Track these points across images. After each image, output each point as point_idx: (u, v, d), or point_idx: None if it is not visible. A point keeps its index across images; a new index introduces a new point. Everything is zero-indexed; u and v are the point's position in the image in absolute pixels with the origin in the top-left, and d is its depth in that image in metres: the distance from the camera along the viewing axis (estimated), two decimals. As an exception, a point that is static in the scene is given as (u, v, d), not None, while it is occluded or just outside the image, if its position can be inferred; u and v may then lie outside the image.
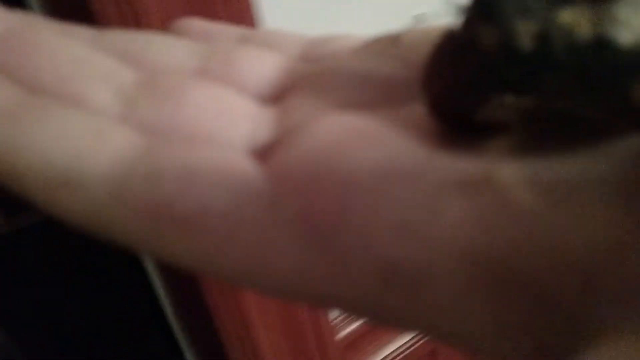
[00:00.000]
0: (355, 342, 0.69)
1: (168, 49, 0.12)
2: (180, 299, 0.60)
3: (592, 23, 0.07)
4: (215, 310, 0.52)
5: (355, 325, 0.68)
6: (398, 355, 0.73)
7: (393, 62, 0.12)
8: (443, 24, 0.11)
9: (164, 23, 0.38)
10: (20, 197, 0.10)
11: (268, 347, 0.56)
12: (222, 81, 0.12)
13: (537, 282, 0.08)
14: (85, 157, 0.09)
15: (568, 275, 0.07)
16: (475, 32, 0.08)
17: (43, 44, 0.11)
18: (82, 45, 0.11)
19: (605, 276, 0.07)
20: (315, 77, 0.12)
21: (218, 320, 0.52)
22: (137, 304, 0.63)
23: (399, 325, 0.09)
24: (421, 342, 0.73)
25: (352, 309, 0.09)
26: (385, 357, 0.72)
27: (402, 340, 0.73)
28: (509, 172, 0.08)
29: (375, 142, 0.09)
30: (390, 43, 0.12)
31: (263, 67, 0.12)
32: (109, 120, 0.10)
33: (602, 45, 0.07)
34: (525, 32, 0.07)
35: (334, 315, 0.65)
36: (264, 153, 0.10)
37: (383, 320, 0.09)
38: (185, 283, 0.52)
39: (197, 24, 0.15)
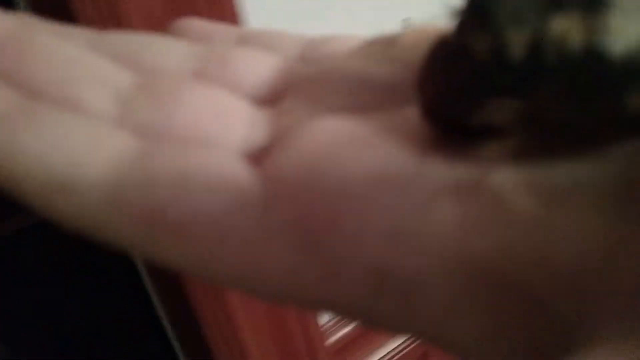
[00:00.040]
0: (345, 346, 0.69)
1: (165, 51, 0.12)
2: (169, 301, 0.60)
3: (584, 32, 0.07)
4: (203, 314, 0.51)
5: (345, 330, 0.68)
6: (389, 359, 0.72)
7: (390, 64, 0.12)
8: (440, 25, 0.11)
9: (145, 23, 0.38)
10: (16, 200, 0.10)
11: (257, 353, 0.56)
12: (219, 83, 0.12)
13: (529, 288, 0.08)
14: (80, 162, 0.09)
15: (561, 281, 0.07)
16: (468, 39, 0.08)
17: (40, 46, 0.11)
18: (80, 48, 0.11)
19: (597, 282, 0.07)
20: (312, 79, 0.12)
21: (205, 324, 0.52)
22: (131, 306, 0.63)
23: (392, 329, 0.09)
24: (412, 345, 0.73)
25: (345, 313, 0.09)
26: (377, 361, 0.72)
27: (393, 345, 0.73)
28: (504, 177, 0.08)
29: (368, 148, 0.09)
30: (388, 44, 0.12)
31: (260, 68, 0.12)
32: (105, 124, 0.10)
33: (595, 55, 0.07)
34: (517, 40, 0.07)
35: (324, 320, 0.65)
36: (258, 156, 0.10)
37: (375, 324, 0.09)
38: (173, 287, 0.52)
39: (196, 24, 0.15)
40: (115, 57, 0.12)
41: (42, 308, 0.59)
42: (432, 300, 0.08)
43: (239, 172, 0.10)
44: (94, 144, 0.10)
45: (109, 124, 0.10)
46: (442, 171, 0.09)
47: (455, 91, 0.08)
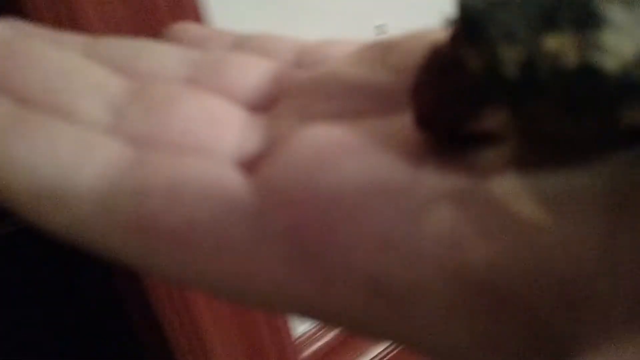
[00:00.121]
0: (324, 357, 0.67)
1: (159, 57, 0.12)
2: (132, 300, 0.58)
3: (577, 49, 0.07)
4: (171, 328, 0.50)
5: (319, 343, 0.67)
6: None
7: (386, 70, 0.12)
8: (437, 32, 0.11)
9: (104, 25, 0.36)
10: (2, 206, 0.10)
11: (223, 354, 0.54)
12: (212, 89, 0.12)
13: (524, 298, 0.08)
14: (71, 171, 0.09)
15: (555, 291, 0.07)
16: (461, 53, 0.08)
17: (33, 54, 0.11)
18: (73, 55, 0.11)
19: (590, 292, 0.07)
20: (306, 85, 0.12)
21: (174, 339, 0.50)
22: (100, 305, 0.63)
23: (384, 337, 0.09)
24: (393, 353, 0.71)
25: (338, 322, 0.09)
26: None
27: (373, 353, 0.71)
28: (502, 185, 0.08)
29: (361, 156, 0.09)
30: (384, 51, 0.12)
31: (254, 74, 0.12)
32: (97, 132, 0.10)
33: (589, 71, 0.07)
34: (510, 58, 0.07)
35: (298, 332, 0.64)
36: (252, 163, 0.10)
37: (368, 333, 0.09)
38: (135, 285, 0.50)
39: (191, 29, 0.15)
40: (109, 64, 0.12)
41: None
42: (425, 309, 0.08)
43: (232, 180, 0.10)
44: (86, 153, 0.10)
45: (101, 133, 0.10)
46: (436, 179, 0.09)
47: (449, 101, 0.09)
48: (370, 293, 0.08)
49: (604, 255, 0.07)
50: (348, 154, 0.09)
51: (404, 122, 0.10)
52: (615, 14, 0.07)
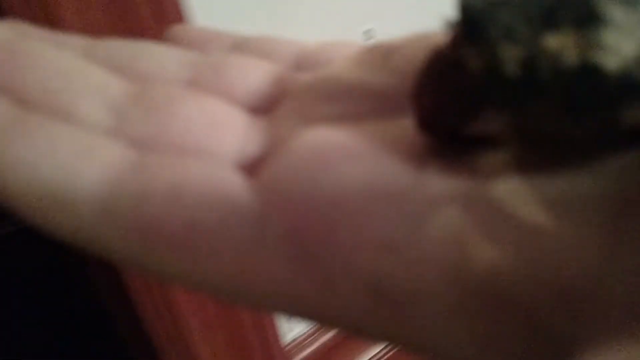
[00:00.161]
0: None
1: (160, 59, 0.12)
2: (112, 297, 0.57)
3: (578, 49, 0.07)
4: (158, 341, 0.49)
5: (308, 350, 0.66)
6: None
7: (387, 72, 0.12)
8: (438, 35, 0.11)
9: (83, 26, 0.35)
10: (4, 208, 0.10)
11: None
12: (213, 92, 0.12)
13: (526, 301, 0.08)
14: (72, 173, 0.09)
15: (558, 294, 0.07)
16: (461, 54, 0.08)
17: (34, 55, 0.11)
18: (74, 56, 0.11)
19: (592, 296, 0.07)
20: (307, 87, 0.12)
21: (151, 326, 0.49)
22: (80, 305, 0.63)
23: (384, 339, 0.09)
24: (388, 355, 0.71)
25: (339, 325, 0.09)
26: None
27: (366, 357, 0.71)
28: (506, 188, 0.08)
29: (362, 159, 0.09)
30: (385, 53, 0.12)
31: (254, 76, 0.12)
32: (98, 135, 0.10)
33: (590, 71, 0.07)
34: (511, 57, 0.07)
35: (288, 339, 0.63)
36: (253, 166, 0.10)
37: (369, 335, 0.09)
38: (115, 282, 0.49)
39: (191, 30, 0.15)
40: (109, 65, 0.12)
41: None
42: (427, 311, 0.08)
43: (233, 182, 0.10)
44: (87, 154, 0.10)
45: (102, 135, 0.10)
46: (438, 182, 0.09)
47: (450, 102, 0.09)
48: (372, 295, 0.08)
49: (606, 258, 0.07)
50: (349, 156, 0.09)
51: (405, 125, 0.10)
52: (616, 13, 0.07)
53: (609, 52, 0.07)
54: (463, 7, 0.08)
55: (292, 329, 0.65)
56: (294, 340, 0.65)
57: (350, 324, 0.09)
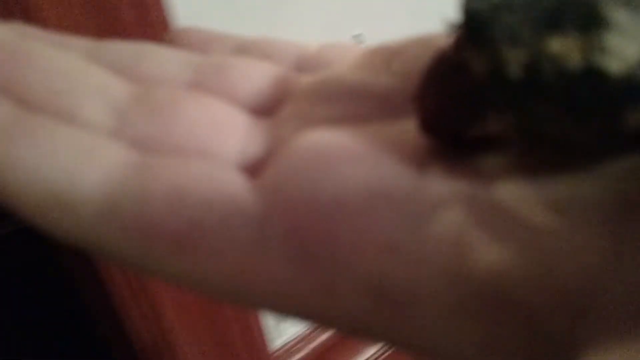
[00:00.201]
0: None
1: (163, 61, 0.12)
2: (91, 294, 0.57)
3: (582, 52, 0.07)
4: (141, 345, 0.48)
5: (296, 356, 0.66)
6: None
7: (390, 75, 0.12)
8: (441, 37, 0.11)
9: (62, 24, 0.34)
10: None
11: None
12: (216, 93, 0.12)
13: (527, 303, 0.08)
14: (75, 175, 0.09)
15: (559, 296, 0.07)
16: (465, 57, 0.08)
17: (37, 57, 0.11)
18: (76, 58, 0.11)
19: (592, 298, 0.07)
20: (310, 89, 0.12)
21: (131, 326, 0.48)
22: (60, 305, 0.63)
23: (385, 340, 0.09)
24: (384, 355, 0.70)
25: (340, 326, 0.09)
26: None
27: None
28: (510, 190, 0.08)
29: (364, 161, 0.09)
30: (388, 55, 0.12)
31: (256, 78, 0.12)
32: (100, 136, 0.10)
33: (593, 74, 0.07)
34: (514, 60, 0.07)
35: (276, 346, 0.63)
36: (254, 167, 0.10)
37: (369, 335, 0.09)
38: (94, 279, 0.48)
39: (194, 32, 0.15)
40: (112, 67, 0.12)
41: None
42: (428, 312, 0.08)
43: (235, 184, 0.10)
44: (90, 156, 0.10)
45: (104, 136, 0.10)
46: (440, 184, 0.09)
47: (453, 104, 0.09)
48: (373, 296, 0.08)
49: (608, 259, 0.07)
50: (351, 158, 0.09)
51: (408, 127, 0.10)
52: (619, 16, 0.07)
53: (612, 55, 0.07)
54: (466, 10, 0.08)
55: (280, 335, 0.65)
56: (283, 346, 0.65)
57: (350, 325, 0.09)
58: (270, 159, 0.10)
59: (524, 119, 0.08)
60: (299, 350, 0.65)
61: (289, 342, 0.66)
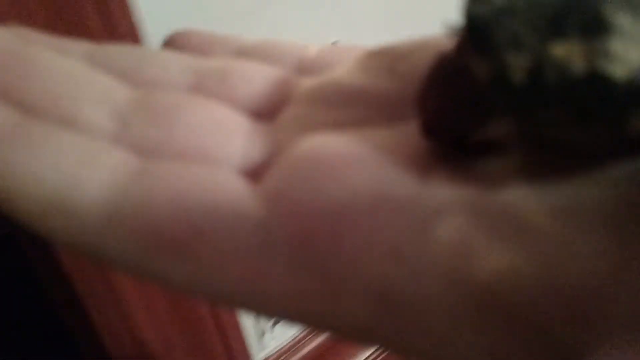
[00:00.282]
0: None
1: (164, 65, 0.12)
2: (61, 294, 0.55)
3: (585, 57, 0.07)
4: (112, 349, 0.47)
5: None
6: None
7: (392, 78, 0.12)
8: (443, 40, 0.11)
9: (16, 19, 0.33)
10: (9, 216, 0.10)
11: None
12: (217, 97, 0.12)
13: (531, 310, 0.08)
14: (77, 181, 0.09)
15: (564, 304, 0.07)
16: (467, 61, 0.08)
17: (38, 62, 0.11)
18: (77, 62, 0.11)
19: (598, 306, 0.07)
20: (310, 93, 0.12)
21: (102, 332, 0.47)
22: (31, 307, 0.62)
23: (387, 347, 0.09)
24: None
25: (342, 331, 0.09)
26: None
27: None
28: (515, 196, 0.08)
29: (366, 166, 0.09)
30: (390, 58, 0.12)
31: (257, 82, 0.12)
32: (102, 142, 0.10)
33: (597, 80, 0.07)
34: (517, 65, 0.07)
35: (261, 356, 0.62)
36: (256, 172, 0.10)
37: (372, 342, 0.09)
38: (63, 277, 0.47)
39: (194, 35, 0.15)
40: (113, 72, 0.12)
41: None
42: (432, 319, 0.08)
43: (237, 189, 0.10)
44: (91, 162, 0.10)
45: (106, 141, 0.10)
46: (443, 189, 0.09)
47: (455, 109, 0.09)
48: (376, 302, 0.08)
49: (612, 265, 0.07)
50: (353, 163, 0.09)
51: (410, 131, 0.10)
52: (623, 20, 0.07)
53: (616, 60, 0.07)
54: (469, 14, 0.08)
55: (263, 348, 0.64)
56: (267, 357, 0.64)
57: (354, 329, 0.09)
58: (272, 164, 0.10)
59: (527, 124, 0.08)
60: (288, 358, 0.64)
61: (271, 355, 0.65)
